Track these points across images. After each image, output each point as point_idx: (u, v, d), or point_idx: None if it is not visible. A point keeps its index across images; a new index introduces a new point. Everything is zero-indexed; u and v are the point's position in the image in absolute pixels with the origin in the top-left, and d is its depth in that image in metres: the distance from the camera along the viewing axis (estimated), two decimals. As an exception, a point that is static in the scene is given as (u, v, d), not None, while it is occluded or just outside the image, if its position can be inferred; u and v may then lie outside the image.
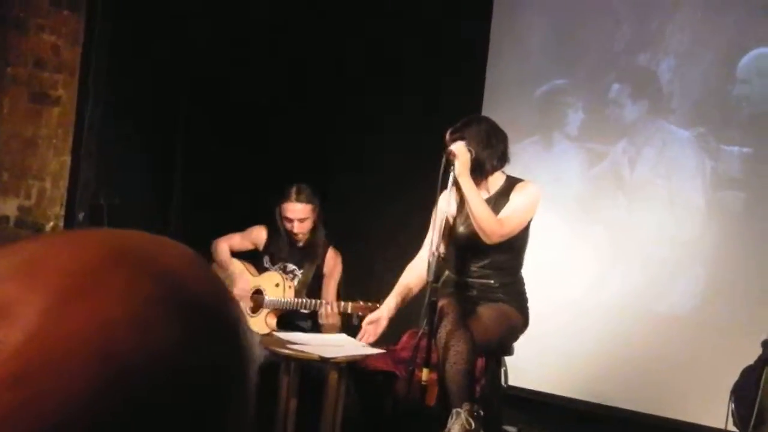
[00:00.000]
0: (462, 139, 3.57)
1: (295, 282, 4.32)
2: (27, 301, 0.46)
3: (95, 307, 0.46)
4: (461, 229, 3.71)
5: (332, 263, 4.39)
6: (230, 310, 0.53)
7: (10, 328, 0.45)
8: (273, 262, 4.39)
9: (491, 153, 3.62)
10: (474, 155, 3.56)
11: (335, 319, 4.05)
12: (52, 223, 4.82)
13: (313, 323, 4.25)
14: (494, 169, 3.67)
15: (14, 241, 0.51)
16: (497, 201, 3.68)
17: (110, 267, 0.48)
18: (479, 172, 3.63)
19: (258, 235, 4.47)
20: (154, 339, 0.47)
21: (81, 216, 4.87)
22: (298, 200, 4.25)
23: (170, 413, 0.47)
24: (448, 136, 3.62)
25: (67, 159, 4.86)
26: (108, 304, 0.47)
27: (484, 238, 3.58)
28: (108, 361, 0.45)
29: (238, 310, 0.54)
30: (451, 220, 3.69)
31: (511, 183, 3.71)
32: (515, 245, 3.71)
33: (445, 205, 3.51)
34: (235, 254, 4.49)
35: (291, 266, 4.38)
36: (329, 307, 4.02)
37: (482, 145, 3.60)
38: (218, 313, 0.51)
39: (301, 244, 4.35)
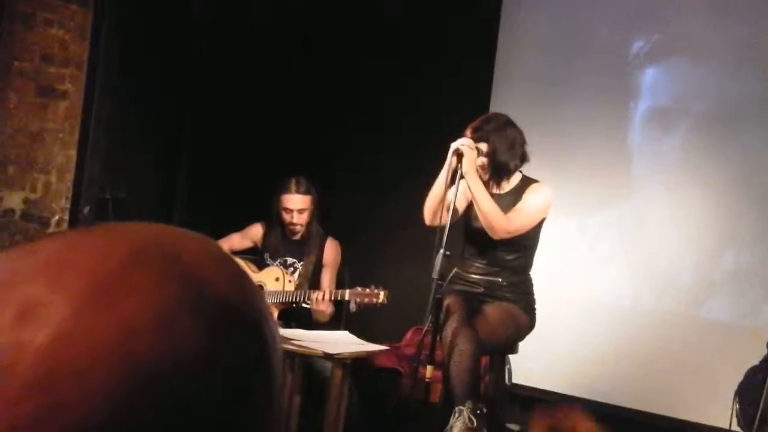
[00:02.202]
0: (485, 139, 3.58)
1: (296, 276, 4.33)
2: (52, 304, 0.45)
3: (121, 311, 0.45)
4: (473, 224, 3.72)
5: (331, 253, 4.40)
6: (255, 304, 0.51)
7: (35, 331, 0.44)
8: (273, 258, 4.39)
9: (514, 154, 3.64)
10: (497, 157, 3.58)
11: (325, 307, 4.04)
12: (57, 217, 4.83)
13: (309, 318, 4.23)
14: (516, 169, 3.69)
15: (35, 238, 0.50)
16: (510, 199, 3.69)
17: (136, 268, 0.47)
18: (503, 172, 3.65)
19: (256, 232, 4.48)
20: (181, 343, 0.46)
21: (86, 210, 4.88)
22: (297, 191, 4.28)
23: (198, 417, 0.46)
24: (468, 133, 3.62)
25: (74, 153, 4.86)
26: (134, 308, 0.46)
27: (490, 233, 3.59)
28: (133, 367, 0.44)
29: (263, 303, 0.53)
30: (460, 210, 3.69)
31: (526, 183, 3.73)
32: (524, 244, 3.71)
33: (438, 188, 3.52)
34: (237, 253, 4.50)
35: (291, 260, 4.38)
36: (320, 294, 4.02)
37: (506, 145, 3.61)
38: (244, 311, 0.50)
39: (298, 237, 4.36)
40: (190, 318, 0.47)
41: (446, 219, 3.48)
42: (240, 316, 0.50)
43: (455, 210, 3.65)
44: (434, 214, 3.63)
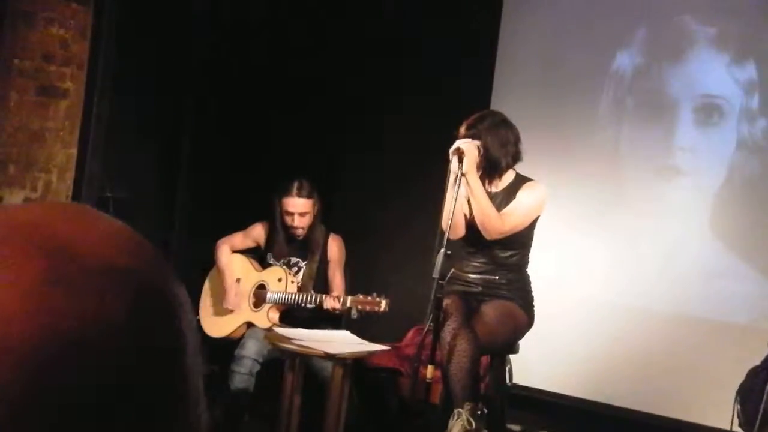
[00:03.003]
0: (477, 136, 3.57)
1: (300, 276, 4.33)
2: None
3: None
4: (470, 223, 3.71)
5: (335, 249, 4.40)
6: (149, 271, 0.48)
7: None
8: (276, 258, 4.39)
9: (506, 152, 3.63)
10: (489, 154, 3.57)
11: (340, 305, 4.05)
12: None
13: (312, 319, 4.22)
14: (508, 167, 3.68)
15: None
16: (504, 198, 3.69)
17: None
18: (495, 170, 3.65)
19: (259, 232, 4.48)
20: (57, 320, 0.43)
21: (87, 209, 4.87)
22: (299, 195, 4.27)
23: (93, 396, 0.43)
24: (462, 130, 3.61)
25: (74, 152, 4.86)
26: None
27: (484, 234, 3.60)
28: (11, 357, 0.42)
29: (162, 271, 0.49)
30: (468, 214, 3.69)
31: (520, 181, 3.72)
32: (519, 242, 3.71)
33: (451, 203, 3.50)
34: (240, 252, 4.50)
35: (294, 259, 4.39)
36: (332, 301, 4.04)
37: (498, 143, 3.61)
38: (132, 279, 0.46)
39: (300, 237, 4.36)
40: (60, 290, 0.44)
41: (448, 219, 3.47)
42: (119, 274, 0.46)
43: (464, 215, 3.66)
44: (455, 227, 3.59)
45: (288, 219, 4.30)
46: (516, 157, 3.69)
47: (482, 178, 3.66)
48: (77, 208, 0.50)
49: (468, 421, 3.31)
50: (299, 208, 4.27)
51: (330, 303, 4.06)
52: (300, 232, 4.33)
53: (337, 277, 4.35)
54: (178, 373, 0.47)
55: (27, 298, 0.43)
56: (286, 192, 4.29)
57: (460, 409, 3.34)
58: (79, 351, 0.43)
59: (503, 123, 3.67)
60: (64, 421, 0.42)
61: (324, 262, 4.39)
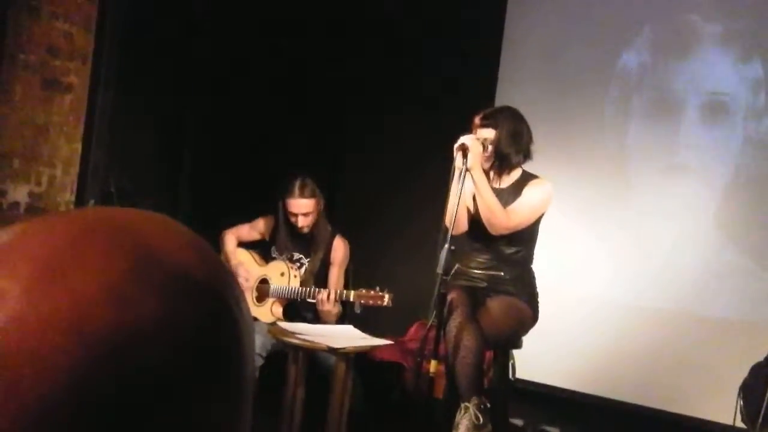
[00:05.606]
0: (493, 126, 3.58)
1: (302, 271, 4.34)
2: (3, 290, 0.46)
3: (69, 288, 0.46)
4: (475, 219, 3.72)
5: (339, 251, 4.40)
6: (211, 270, 0.51)
7: None
8: (280, 252, 4.40)
9: (518, 148, 3.64)
10: (501, 147, 3.58)
11: (332, 307, 4.05)
12: (62, 210, 4.82)
13: (314, 314, 4.25)
14: (518, 164, 3.69)
15: None
16: (510, 194, 3.69)
17: (83, 244, 0.48)
18: (505, 164, 3.66)
19: (265, 225, 4.49)
20: (133, 314, 0.46)
21: (91, 203, 4.89)
22: (302, 196, 4.28)
23: (163, 382, 0.47)
24: (477, 120, 3.62)
25: (78, 146, 4.87)
26: (82, 283, 0.46)
27: (490, 230, 3.60)
28: (85, 339, 0.45)
29: (231, 287, 0.52)
30: (472, 209, 3.69)
31: (526, 178, 3.73)
32: (524, 238, 3.72)
33: (455, 199, 3.50)
34: (244, 244, 4.51)
35: (297, 255, 4.40)
36: (327, 293, 4.03)
37: (511, 139, 3.62)
38: (199, 276, 0.50)
39: (306, 230, 4.37)
40: (141, 287, 0.47)
41: (452, 215, 3.47)
42: (195, 281, 0.50)
43: (468, 210, 3.66)
44: (458, 223, 3.59)
45: (293, 218, 4.32)
46: (526, 155, 3.70)
47: (491, 171, 3.67)
48: (162, 218, 0.53)
49: (475, 415, 3.32)
50: (303, 208, 4.29)
51: (322, 298, 4.03)
52: (305, 229, 4.35)
53: (334, 278, 4.34)
54: (234, 370, 0.51)
55: (109, 289, 0.47)
56: (289, 193, 4.30)
57: (467, 404, 3.35)
58: (148, 343, 0.46)
59: (518, 118, 3.69)
60: (119, 401, 0.45)
61: (326, 262, 4.39)
